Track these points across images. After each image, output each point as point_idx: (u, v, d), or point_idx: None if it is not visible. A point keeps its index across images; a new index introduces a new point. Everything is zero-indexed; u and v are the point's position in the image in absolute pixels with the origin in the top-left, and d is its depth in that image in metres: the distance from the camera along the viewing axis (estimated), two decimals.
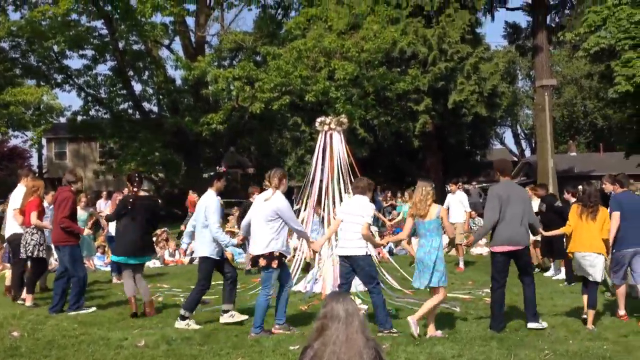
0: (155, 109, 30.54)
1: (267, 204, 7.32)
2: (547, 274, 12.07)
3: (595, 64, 31.07)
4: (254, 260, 7.46)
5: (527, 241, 7.60)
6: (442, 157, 32.05)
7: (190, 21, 28.56)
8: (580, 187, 9.43)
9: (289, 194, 12.25)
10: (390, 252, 14.80)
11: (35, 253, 9.27)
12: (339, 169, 10.74)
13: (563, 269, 11.35)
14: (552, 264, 12.20)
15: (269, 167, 36.79)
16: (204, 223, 7.81)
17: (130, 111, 29.69)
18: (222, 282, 8.30)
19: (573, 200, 10.10)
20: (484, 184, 39.34)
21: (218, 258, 7.84)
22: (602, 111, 52.61)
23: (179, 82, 29.76)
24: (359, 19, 25.37)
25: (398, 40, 25.22)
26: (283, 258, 7.36)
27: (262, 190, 14.42)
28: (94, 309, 8.84)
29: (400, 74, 26.83)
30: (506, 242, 7.38)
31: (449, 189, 15.54)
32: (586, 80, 48.43)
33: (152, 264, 14.33)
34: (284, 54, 23.64)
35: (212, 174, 7.35)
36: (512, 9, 33.01)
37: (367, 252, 7.34)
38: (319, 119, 11.04)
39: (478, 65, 27.81)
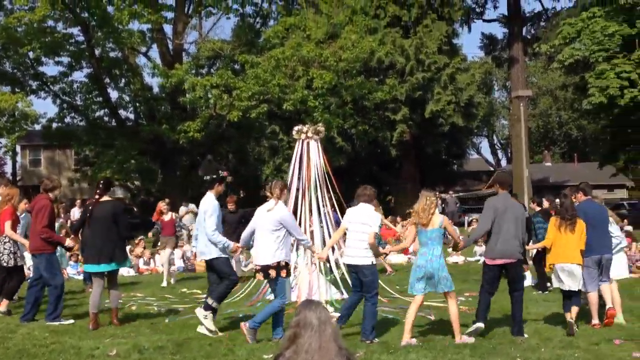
0: (131, 116, 30.33)
1: (271, 215, 7.39)
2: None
3: (569, 76, 31.55)
4: (264, 271, 7.38)
5: (520, 255, 7.66)
6: (419, 166, 32.27)
7: (168, 29, 28.51)
8: (544, 198, 9.57)
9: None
10: None
11: (12, 262, 9.14)
12: (316, 177, 10.74)
13: (529, 274, 11.68)
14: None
15: (246, 175, 36.76)
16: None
17: (106, 118, 29.42)
18: (203, 295, 8.25)
19: (538, 209, 10.26)
20: (461, 194, 39.68)
21: (227, 256, 7.91)
22: (577, 122, 53.41)
23: (156, 89, 29.62)
24: (337, 29, 25.50)
25: (376, 50, 25.41)
26: (288, 266, 7.48)
27: (237, 199, 14.48)
28: (72, 321, 8.56)
29: (378, 84, 27.02)
30: (499, 255, 7.50)
31: None
32: (561, 92, 49.11)
33: (126, 272, 14.21)
34: (262, 63, 23.67)
35: (213, 177, 7.43)
36: (489, 21, 33.52)
37: (372, 262, 7.40)
38: (296, 128, 11.06)
39: (455, 75, 28.13)
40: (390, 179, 32.44)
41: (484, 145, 79.20)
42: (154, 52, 29.66)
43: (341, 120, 25.72)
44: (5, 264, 9.11)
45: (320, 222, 10.74)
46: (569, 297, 7.80)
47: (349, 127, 27.45)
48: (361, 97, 25.98)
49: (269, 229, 7.31)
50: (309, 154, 10.77)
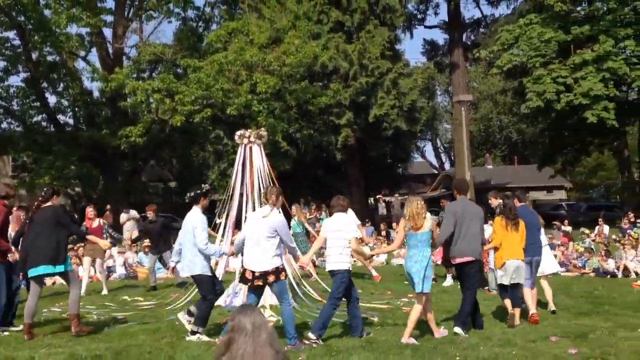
0: (71, 121, 29.63)
1: (265, 221, 7.37)
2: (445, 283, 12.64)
3: (508, 81, 32.37)
4: (263, 277, 7.26)
5: (477, 254, 8.08)
6: (364, 170, 32.50)
7: (108, 32, 27.94)
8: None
9: (211, 208, 12.07)
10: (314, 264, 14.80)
11: None
12: (260, 182, 10.69)
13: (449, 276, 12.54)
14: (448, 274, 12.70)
15: (190, 180, 36.35)
16: (193, 241, 7.68)
17: (44, 124, 28.66)
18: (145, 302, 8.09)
19: None
20: (406, 196, 40.13)
21: (210, 274, 7.82)
22: (517, 126, 54.79)
23: (97, 94, 29.03)
24: (281, 34, 25.49)
25: (319, 55, 25.47)
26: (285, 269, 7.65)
27: (157, 208, 14.28)
28: (21, 327, 8.22)
29: (322, 88, 27.14)
30: (458, 254, 8.02)
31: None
32: (501, 96, 50.32)
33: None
34: (205, 67, 23.46)
35: (197, 192, 7.09)
36: (430, 27, 34.16)
37: (347, 268, 7.64)
38: (238, 132, 10.98)
39: (397, 80, 28.43)
40: (335, 183, 32.54)
41: (428, 149, 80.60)
42: (94, 56, 29.15)
43: (286, 124, 25.70)
44: None
45: None
46: (511, 289, 8.38)
47: (294, 131, 27.45)
48: (305, 102, 26.01)
49: (264, 235, 7.30)
50: (252, 159, 10.71)
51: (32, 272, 7.90)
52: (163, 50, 25.70)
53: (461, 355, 6.60)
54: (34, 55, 26.42)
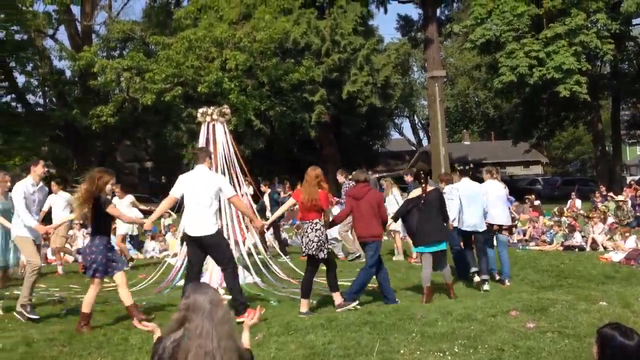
0: (41, 101, 29.19)
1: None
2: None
3: (483, 56, 32.31)
4: None
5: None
6: (340, 147, 32.42)
7: (76, 10, 27.44)
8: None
9: None
10: (285, 243, 14.73)
11: None
12: (224, 160, 10.54)
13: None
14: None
15: (165, 160, 35.98)
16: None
17: (13, 104, 28.18)
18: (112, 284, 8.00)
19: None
20: (384, 174, 40.18)
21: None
22: (493, 101, 54.83)
23: (69, 73, 28.58)
24: (251, 9, 25.17)
25: (290, 31, 25.23)
26: None
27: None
28: None
29: (295, 65, 26.87)
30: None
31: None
32: (476, 72, 50.27)
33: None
34: (175, 44, 23.14)
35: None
36: (404, 2, 33.73)
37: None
38: (200, 110, 10.80)
39: (370, 56, 28.27)
40: (310, 161, 32.45)
41: (406, 126, 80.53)
42: (62, 35, 28.61)
43: (258, 102, 25.48)
44: None
45: None
46: None
47: (267, 109, 27.22)
48: (278, 79, 25.79)
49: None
50: (215, 137, 10.53)
51: None
52: (132, 28, 25.34)
53: (419, 331, 6.56)
54: (1, 34, 25.86)
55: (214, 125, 10.58)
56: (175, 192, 7.50)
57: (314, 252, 7.68)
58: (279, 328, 6.86)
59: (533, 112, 32.43)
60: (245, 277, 10.20)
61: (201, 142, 10.68)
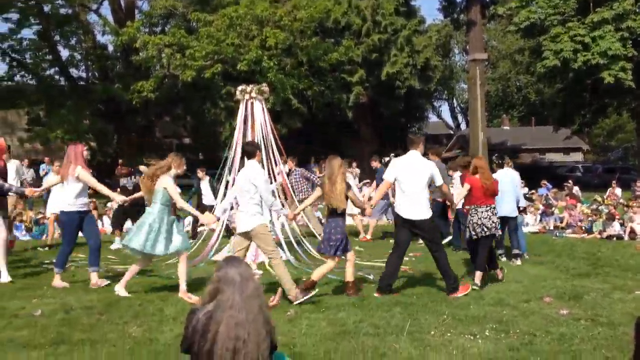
0: (84, 75, 29.64)
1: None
2: None
3: (527, 39, 31.68)
4: None
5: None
6: (377, 129, 32.23)
7: None
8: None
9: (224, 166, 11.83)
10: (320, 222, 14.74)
11: None
12: (264, 138, 10.59)
13: None
14: None
15: (203, 137, 36.22)
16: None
17: (57, 77, 28.68)
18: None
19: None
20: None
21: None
22: (535, 86, 53.76)
23: (111, 48, 28.94)
24: None
25: (332, 10, 25.09)
26: None
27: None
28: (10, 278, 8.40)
29: (334, 45, 26.76)
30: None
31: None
32: (519, 55, 49.31)
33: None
34: (216, 21, 23.22)
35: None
36: None
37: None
38: (239, 87, 10.86)
39: (411, 38, 27.96)
40: (347, 142, 32.39)
41: (445, 109, 79.62)
42: (106, 10, 28.96)
43: (296, 81, 25.48)
44: None
45: (270, 182, 10.61)
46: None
47: (305, 88, 27.21)
48: (317, 58, 25.72)
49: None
50: (254, 115, 10.59)
51: None
52: (174, 4, 25.48)
53: (450, 313, 6.56)
54: (46, 8, 26.28)
55: (252, 103, 10.65)
56: (389, 176, 7.70)
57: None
58: (311, 305, 6.94)
59: (576, 98, 31.71)
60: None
61: (239, 120, 10.75)
